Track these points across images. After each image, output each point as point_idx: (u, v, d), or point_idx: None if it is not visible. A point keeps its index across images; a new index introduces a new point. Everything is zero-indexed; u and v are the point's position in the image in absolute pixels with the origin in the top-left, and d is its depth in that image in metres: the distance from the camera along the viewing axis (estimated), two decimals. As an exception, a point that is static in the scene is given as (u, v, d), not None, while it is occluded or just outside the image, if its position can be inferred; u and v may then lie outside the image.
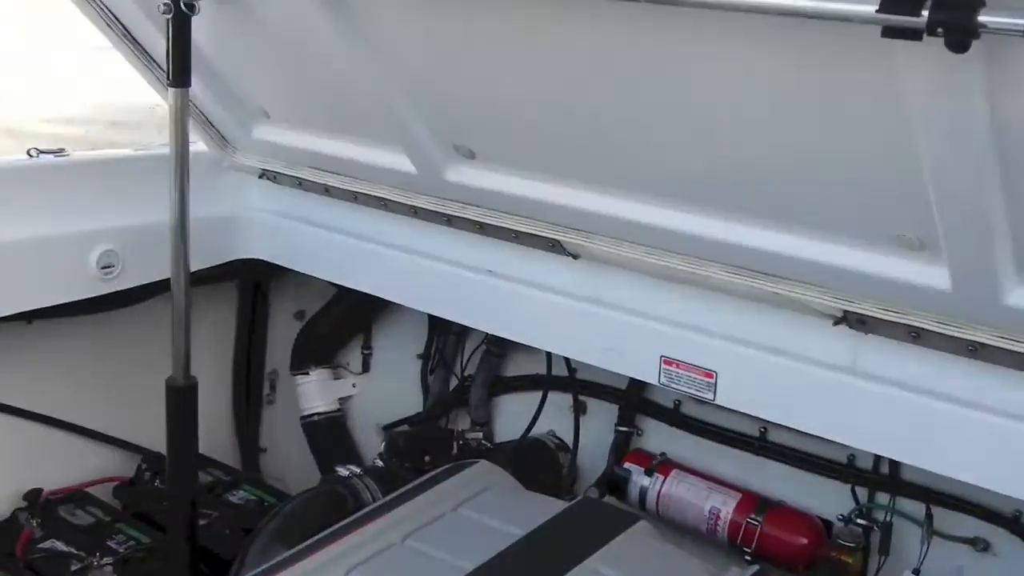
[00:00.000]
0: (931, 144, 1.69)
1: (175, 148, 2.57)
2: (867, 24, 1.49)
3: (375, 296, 3.12)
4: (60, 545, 2.94)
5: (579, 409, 3.19)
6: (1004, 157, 1.65)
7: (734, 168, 2.10)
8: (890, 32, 1.46)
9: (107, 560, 2.85)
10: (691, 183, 2.22)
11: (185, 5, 2.42)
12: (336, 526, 2.34)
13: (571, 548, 2.21)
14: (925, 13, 1.41)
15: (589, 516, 2.40)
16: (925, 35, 1.42)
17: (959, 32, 1.40)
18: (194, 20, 2.49)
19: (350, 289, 3.19)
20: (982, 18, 1.38)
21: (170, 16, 2.45)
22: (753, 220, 2.18)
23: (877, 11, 1.45)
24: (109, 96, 13.68)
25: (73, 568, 2.83)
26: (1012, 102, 1.55)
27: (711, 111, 1.98)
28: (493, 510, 2.37)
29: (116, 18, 2.80)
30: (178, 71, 2.52)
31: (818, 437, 2.55)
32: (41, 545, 2.94)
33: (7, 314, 2.78)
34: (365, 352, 3.65)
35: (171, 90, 2.55)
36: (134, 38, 2.83)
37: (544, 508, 2.38)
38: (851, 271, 2.09)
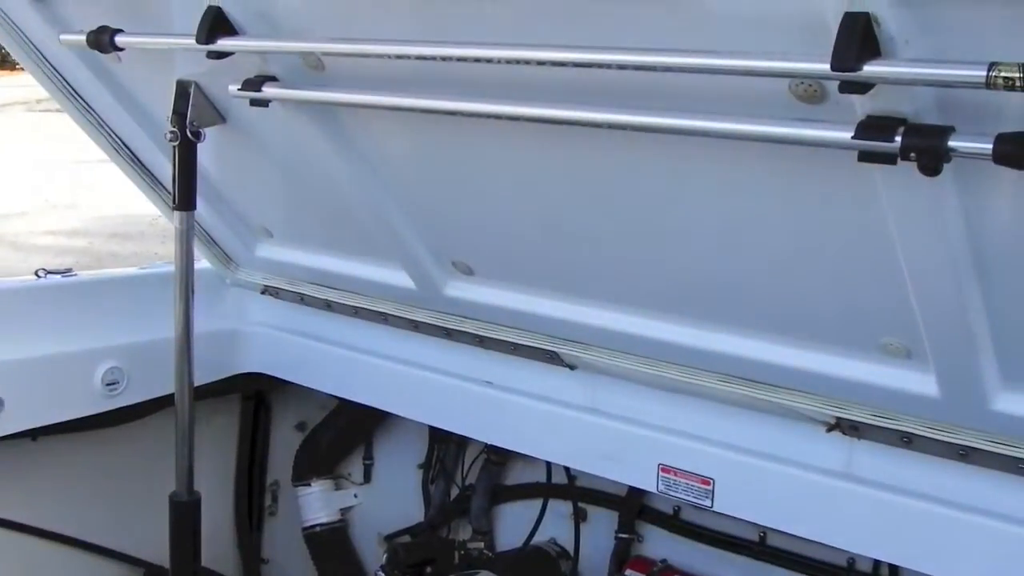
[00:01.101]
0: (911, 257, 1.75)
1: (180, 267, 2.64)
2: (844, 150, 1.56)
3: (376, 407, 3.17)
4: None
5: (579, 517, 3.20)
6: (982, 270, 1.71)
7: (724, 281, 2.16)
8: (865, 157, 1.54)
9: None
10: (683, 296, 2.28)
11: (191, 133, 2.51)
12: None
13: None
14: (898, 139, 1.47)
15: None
16: (899, 159, 1.49)
17: (930, 157, 1.46)
18: (199, 145, 2.58)
19: (351, 401, 3.23)
20: (952, 143, 1.45)
21: (176, 144, 2.54)
22: (744, 330, 2.24)
23: (852, 137, 1.52)
24: (109, 208, 13.89)
25: None
26: (986, 219, 1.62)
27: (700, 227, 2.06)
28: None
29: (124, 143, 2.90)
30: (184, 195, 2.61)
31: (817, 541, 2.58)
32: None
33: (13, 432, 2.82)
34: (367, 463, 3.68)
35: (177, 213, 2.62)
36: (141, 162, 2.93)
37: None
38: (841, 379, 2.14)
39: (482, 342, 2.76)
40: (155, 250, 12.41)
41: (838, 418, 2.22)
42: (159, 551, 3.27)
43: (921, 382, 2.02)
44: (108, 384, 2.97)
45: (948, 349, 1.90)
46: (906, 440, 2.14)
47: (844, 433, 2.24)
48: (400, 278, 2.78)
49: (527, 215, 2.32)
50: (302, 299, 3.16)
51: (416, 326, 2.89)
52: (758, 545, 2.83)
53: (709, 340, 2.30)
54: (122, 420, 3.10)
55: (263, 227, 3.07)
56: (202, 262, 3.19)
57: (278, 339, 3.28)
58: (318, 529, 3.59)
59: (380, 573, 2.94)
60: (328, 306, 3.09)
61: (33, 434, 2.93)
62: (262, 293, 3.27)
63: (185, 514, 2.74)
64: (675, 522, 2.99)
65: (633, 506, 3.05)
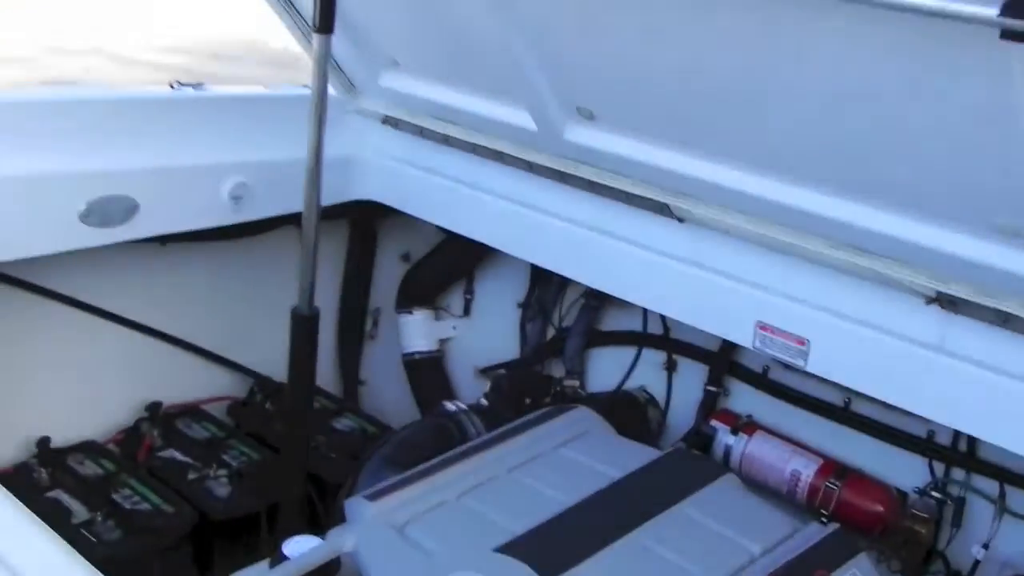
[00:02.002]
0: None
1: (316, 90, 2.64)
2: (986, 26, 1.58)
3: (480, 243, 3.24)
4: (178, 455, 3.14)
5: (668, 368, 3.31)
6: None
7: (843, 148, 2.18)
8: (1009, 35, 1.55)
9: (222, 472, 3.03)
10: (800, 159, 2.30)
11: None
12: (445, 456, 2.50)
13: (663, 493, 2.35)
14: None
15: (681, 465, 2.54)
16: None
17: None
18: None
19: (457, 235, 3.31)
20: None
21: None
22: (857, 198, 2.26)
23: (999, 15, 1.53)
24: (209, 29, 13.98)
25: (190, 477, 3.03)
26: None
27: (825, 92, 2.06)
28: (591, 452, 2.52)
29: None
30: (325, 18, 2.59)
31: (900, 411, 2.65)
32: (160, 454, 3.15)
33: (146, 236, 2.94)
34: (467, 297, 3.79)
35: (316, 36, 2.62)
36: (280, -14, 2.98)
37: (639, 455, 2.52)
38: (948, 254, 2.17)
39: (595, 188, 2.80)
40: (252, 72, 12.54)
41: (939, 292, 2.24)
42: (268, 363, 3.47)
43: (1032, 261, 2.04)
44: (234, 198, 3.06)
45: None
46: (1004, 319, 2.18)
47: (942, 307, 2.26)
48: (522, 118, 2.81)
49: (657, 66, 2.33)
50: (421, 132, 3.21)
51: (531, 167, 2.94)
52: (842, 410, 2.91)
53: (821, 205, 2.33)
54: (243, 234, 3.23)
55: (391, 56, 3.11)
56: (325, 87, 3.26)
57: (394, 169, 3.34)
58: (417, 356, 3.73)
59: (483, 400, 3.06)
60: (446, 140, 3.15)
61: (162, 239, 3.05)
62: (382, 123, 3.33)
63: (306, 328, 2.81)
64: (763, 380, 3.08)
65: (723, 361, 3.15)
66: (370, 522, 2.22)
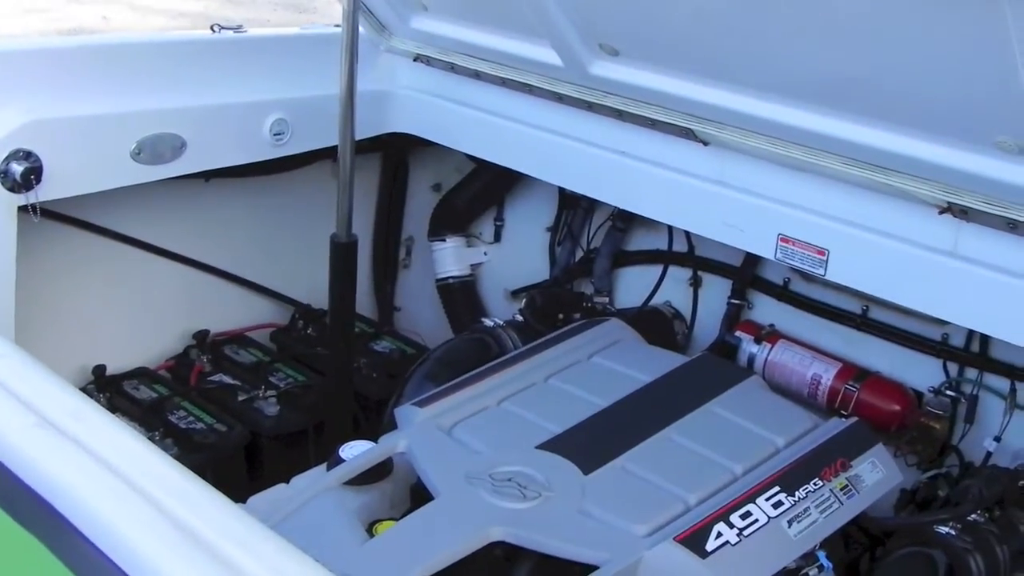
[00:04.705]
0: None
1: (346, 32, 2.78)
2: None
3: (510, 171, 3.37)
4: (227, 378, 3.32)
5: (692, 283, 3.44)
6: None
7: (854, 73, 2.30)
8: None
9: (270, 393, 3.21)
10: (816, 84, 2.42)
11: None
12: (484, 367, 2.66)
13: (692, 394, 2.51)
14: None
15: (708, 369, 2.69)
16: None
17: None
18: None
19: (487, 164, 3.44)
20: None
21: None
22: (869, 119, 2.39)
23: None
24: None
25: (240, 398, 3.20)
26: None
27: (836, 20, 2.19)
28: (623, 360, 2.68)
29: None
30: None
31: (915, 316, 2.79)
32: (211, 378, 3.32)
33: (193, 171, 3.08)
34: (497, 223, 3.91)
35: None
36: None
37: (668, 361, 2.68)
38: (955, 169, 2.29)
39: (621, 116, 2.92)
40: (267, 16, 12.61)
41: (949, 202, 2.36)
42: (308, 291, 3.64)
43: (1028, 176, 2.17)
44: (275, 134, 3.19)
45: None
46: (1011, 225, 2.30)
47: (954, 216, 2.38)
48: (548, 55, 2.93)
49: (675, 1, 2.46)
50: (452, 68, 3.33)
51: (559, 98, 3.06)
52: (860, 317, 3.04)
53: (836, 127, 2.45)
54: (282, 168, 3.36)
55: (419, 0, 3.24)
56: (357, 27, 3.39)
57: (426, 102, 3.46)
58: (451, 281, 3.86)
59: (518, 316, 3.19)
60: (476, 75, 3.26)
61: (207, 176, 3.19)
62: (414, 60, 3.45)
63: (345, 254, 2.96)
64: (784, 291, 3.20)
65: (746, 275, 3.27)
66: (420, 426, 2.38)
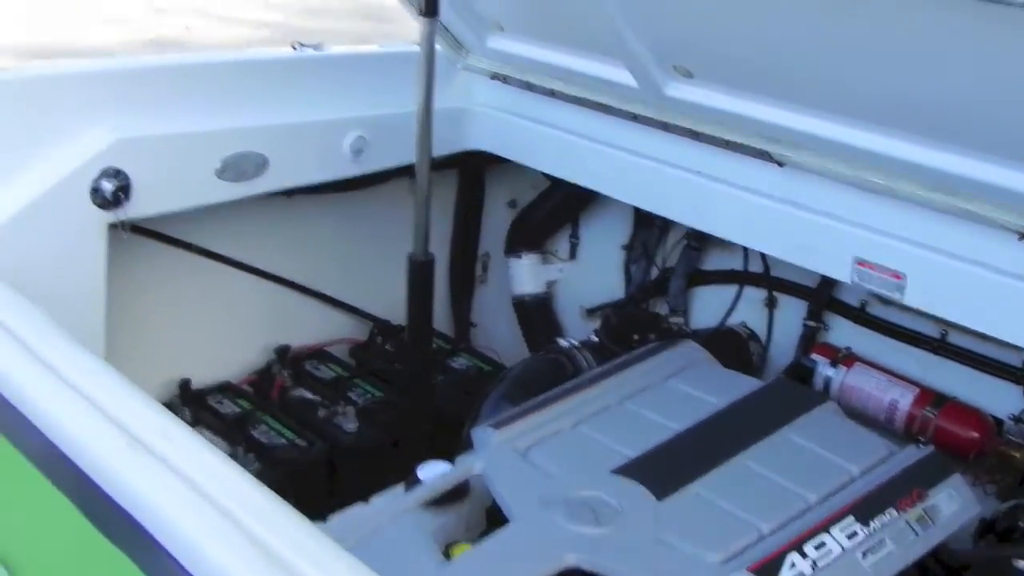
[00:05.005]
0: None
1: (424, 68, 2.88)
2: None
3: (585, 189, 3.39)
4: (307, 393, 3.37)
5: (768, 304, 3.43)
6: None
7: (928, 95, 2.30)
8: None
9: (349, 408, 3.25)
10: (891, 107, 2.43)
11: None
12: (560, 388, 2.68)
13: (767, 419, 2.50)
14: None
15: (783, 394, 2.69)
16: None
17: None
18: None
19: (563, 182, 3.46)
20: None
21: None
22: (945, 144, 2.39)
23: None
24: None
25: (320, 413, 3.25)
26: None
27: (913, 41, 2.19)
28: (698, 383, 2.68)
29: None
30: (430, 4, 2.83)
31: (994, 341, 2.75)
32: (291, 393, 3.38)
33: (275, 189, 3.14)
34: (573, 241, 3.92)
35: (422, 19, 2.86)
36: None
37: (743, 385, 2.68)
38: None
39: (697, 136, 2.94)
40: (343, 26, 12.76)
41: None
42: (387, 307, 3.68)
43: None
44: (354, 151, 3.24)
45: None
46: None
47: None
48: (623, 76, 2.96)
49: (750, 24, 2.47)
50: (529, 86, 3.37)
51: (635, 117, 3.08)
52: (938, 341, 3.00)
53: (911, 151, 2.46)
54: (362, 186, 3.40)
55: (496, 21, 3.28)
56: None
57: (503, 120, 3.50)
58: (527, 299, 3.89)
59: (594, 336, 3.22)
60: (552, 94, 3.30)
61: (288, 192, 3.24)
62: (491, 79, 3.49)
63: (421, 273, 3.01)
64: (861, 314, 3.18)
65: (822, 296, 3.25)
66: (496, 448, 2.41)
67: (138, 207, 2.80)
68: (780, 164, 2.83)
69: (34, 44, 11.26)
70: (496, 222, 4.06)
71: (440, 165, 3.53)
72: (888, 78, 2.35)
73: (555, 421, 2.52)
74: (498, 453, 2.39)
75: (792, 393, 2.73)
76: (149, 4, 13.34)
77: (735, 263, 3.48)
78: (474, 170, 3.93)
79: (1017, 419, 2.89)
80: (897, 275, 2.63)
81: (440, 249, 3.96)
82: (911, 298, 2.63)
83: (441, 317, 4.03)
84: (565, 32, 3.11)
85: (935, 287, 2.60)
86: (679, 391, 2.66)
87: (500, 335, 4.07)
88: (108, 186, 2.72)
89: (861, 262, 2.69)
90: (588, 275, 3.92)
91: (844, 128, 2.58)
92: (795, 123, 2.66)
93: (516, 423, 2.50)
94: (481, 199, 4.04)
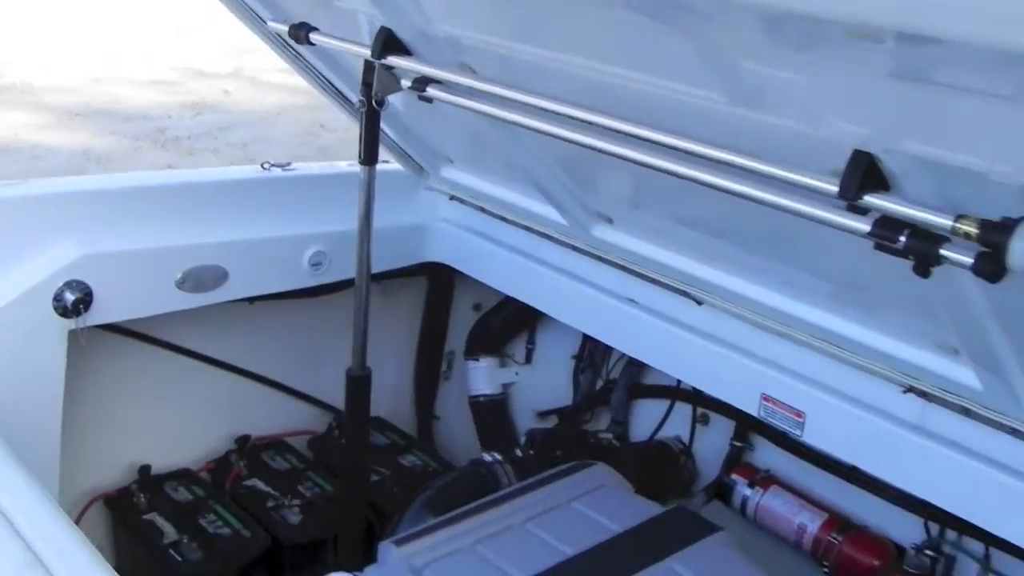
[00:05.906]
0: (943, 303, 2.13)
1: (361, 215, 3.10)
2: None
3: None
4: (260, 484, 3.57)
5: (701, 421, 3.59)
6: (1001, 315, 2.05)
7: (822, 276, 2.53)
8: (880, 247, 1.85)
9: (296, 502, 3.45)
10: (791, 280, 2.65)
11: (376, 103, 2.87)
12: (473, 504, 2.85)
13: (655, 547, 2.66)
14: (902, 239, 1.79)
15: (678, 523, 2.85)
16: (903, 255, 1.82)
17: (923, 261, 1.80)
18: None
19: None
20: (943, 252, 1.76)
21: (364, 111, 2.93)
22: (835, 309, 2.61)
23: (868, 233, 1.84)
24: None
25: (268, 505, 3.45)
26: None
27: (812, 240, 2.36)
28: (600, 507, 2.84)
29: (332, 85, 3.43)
30: (369, 154, 3.03)
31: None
32: (245, 482, 3.57)
33: (233, 299, 3.35)
34: (528, 347, 4.12)
35: (361, 167, 3.07)
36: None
37: (642, 511, 2.84)
38: (908, 361, 2.48)
39: (626, 270, 3.16)
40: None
41: (911, 385, 2.54)
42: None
43: (966, 376, 2.34)
44: (313, 264, 3.45)
45: (982, 360, 2.24)
46: (965, 411, 2.45)
47: (917, 395, 2.54)
48: (555, 215, 3.20)
49: (661, 190, 2.64)
50: (482, 209, 3.60)
51: (574, 247, 3.31)
52: (850, 469, 3.13)
53: (805, 311, 2.66)
54: (323, 293, 3.60)
55: (445, 155, 3.53)
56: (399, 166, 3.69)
57: (462, 237, 3.72)
58: (482, 399, 4.07)
59: (518, 451, 3.39)
60: (503, 219, 3.54)
61: (251, 299, 3.45)
62: (450, 199, 3.73)
63: (357, 387, 3.19)
64: (782, 439, 3.31)
65: (748, 419, 3.37)
66: (393, 565, 2.59)
67: (98, 315, 3.03)
68: (699, 302, 3.02)
69: (79, 102, 11.64)
70: (462, 323, 4.25)
71: (411, 272, 3.77)
72: (787, 256, 2.56)
73: (458, 539, 2.68)
74: (394, 571, 2.56)
75: (688, 522, 2.88)
76: (189, 67, 13.70)
77: (671, 379, 3.65)
78: (441, 276, 4.12)
79: (918, 549, 3.03)
80: (798, 413, 2.80)
81: (408, 348, 4.26)
82: (810, 436, 2.80)
83: (406, 411, 4.28)
84: (500, 172, 3.36)
85: (831, 428, 2.76)
86: (581, 514, 2.82)
87: (461, 429, 4.25)
88: (70, 297, 2.94)
89: (767, 397, 2.86)
90: (542, 379, 4.10)
91: (749, 285, 2.78)
92: (706, 275, 2.87)
93: (421, 539, 2.67)
94: (449, 302, 4.25)
